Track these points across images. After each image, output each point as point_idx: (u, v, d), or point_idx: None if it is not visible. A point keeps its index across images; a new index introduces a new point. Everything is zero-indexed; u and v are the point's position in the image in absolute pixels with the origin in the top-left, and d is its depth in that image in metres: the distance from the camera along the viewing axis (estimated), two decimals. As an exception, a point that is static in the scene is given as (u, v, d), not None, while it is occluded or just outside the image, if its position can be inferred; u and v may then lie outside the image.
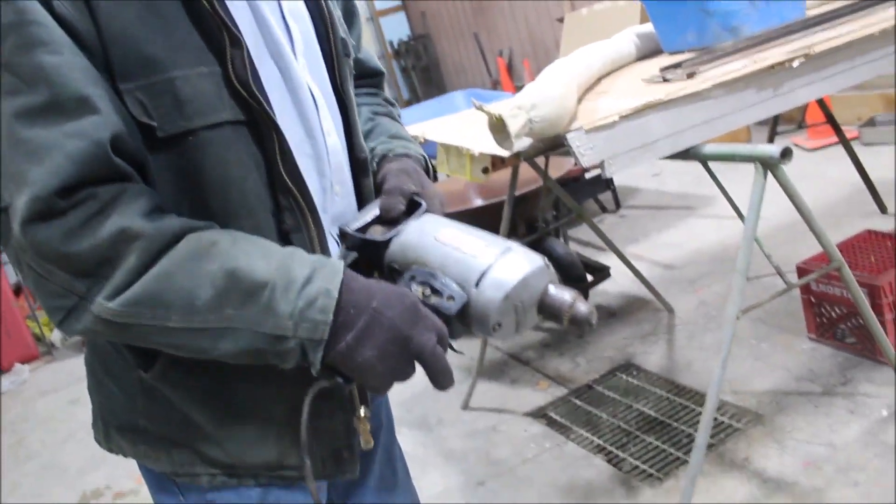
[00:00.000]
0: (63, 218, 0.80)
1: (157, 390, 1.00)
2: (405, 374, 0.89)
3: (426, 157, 1.22)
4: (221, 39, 0.89)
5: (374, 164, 1.16)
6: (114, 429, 1.08)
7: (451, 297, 0.89)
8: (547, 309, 0.90)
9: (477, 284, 0.88)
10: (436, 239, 0.93)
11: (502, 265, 0.88)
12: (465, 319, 0.90)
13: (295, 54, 1.01)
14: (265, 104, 0.92)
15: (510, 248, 0.90)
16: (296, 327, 0.83)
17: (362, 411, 1.07)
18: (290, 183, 0.95)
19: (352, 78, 1.15)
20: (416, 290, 0.91)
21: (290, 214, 0.96)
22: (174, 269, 0.82)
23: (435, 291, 0.90)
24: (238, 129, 0.92)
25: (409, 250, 0.95)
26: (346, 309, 0.85)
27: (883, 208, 3.77)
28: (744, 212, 2.17)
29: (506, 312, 0.88)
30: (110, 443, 1.10)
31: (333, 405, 1.06)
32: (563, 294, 0.90)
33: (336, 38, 1.08)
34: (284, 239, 0.96)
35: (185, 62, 0.87)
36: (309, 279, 0.84)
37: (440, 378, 0.88)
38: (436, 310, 0.89)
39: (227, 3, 0.91)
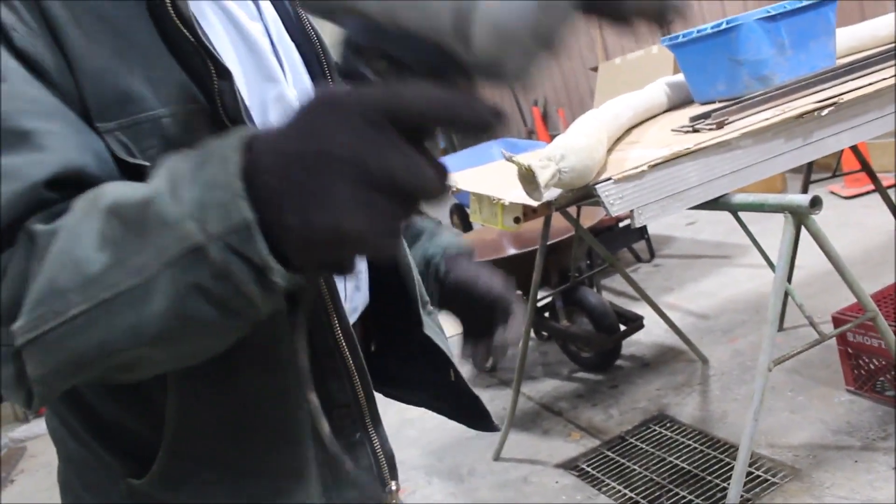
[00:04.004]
0: None
1: (154, 501, 0.83)
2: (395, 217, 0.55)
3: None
4: (206, 72, 0.77)
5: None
6: None
7: None
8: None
9: None
10: None
11: None
12: None
13: (286, 78, 0.92)
14: None
15: None
16: (201, 226, 0.57)
17: (393, 485, 0.93)
18: None
19: None
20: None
21: None
22: (58, 245, 0.62)
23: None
24: None
25: None
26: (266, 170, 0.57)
27: (923, 258, 3.71)
28: (775, 261, 2.15)
29: None
30: None
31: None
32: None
33: (328, 58, 0.97)
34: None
35: (169, 99, 0.77)
36: (200, 165, 0.59)
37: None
38: None
39: (211, 27, 0.82)
